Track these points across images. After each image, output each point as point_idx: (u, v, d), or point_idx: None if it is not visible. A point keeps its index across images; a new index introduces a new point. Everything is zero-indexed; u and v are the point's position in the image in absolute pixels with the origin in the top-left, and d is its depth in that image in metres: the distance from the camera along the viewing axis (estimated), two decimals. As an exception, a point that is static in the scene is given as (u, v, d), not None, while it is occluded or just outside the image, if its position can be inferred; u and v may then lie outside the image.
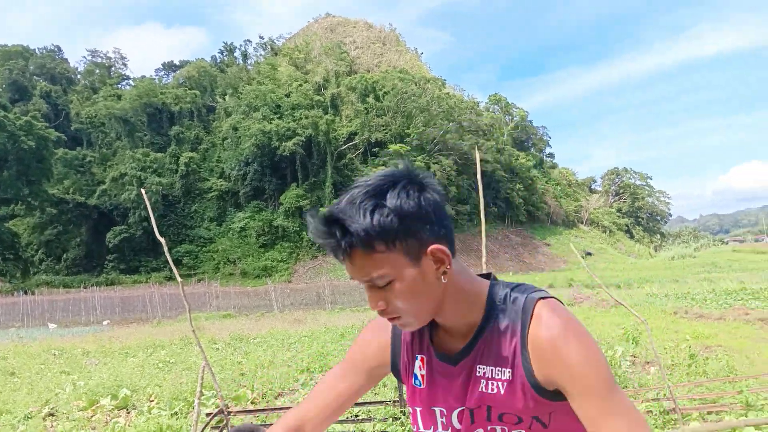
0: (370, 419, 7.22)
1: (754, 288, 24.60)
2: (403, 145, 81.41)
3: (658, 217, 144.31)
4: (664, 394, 6.82)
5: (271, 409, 8.40)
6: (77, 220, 76.96)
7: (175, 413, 9.49)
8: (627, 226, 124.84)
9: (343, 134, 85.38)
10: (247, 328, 23.21)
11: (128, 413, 10.07)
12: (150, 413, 9.64)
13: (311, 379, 11.58)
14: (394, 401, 7.19)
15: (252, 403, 10.09)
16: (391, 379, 10.30)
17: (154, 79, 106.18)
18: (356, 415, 7.59)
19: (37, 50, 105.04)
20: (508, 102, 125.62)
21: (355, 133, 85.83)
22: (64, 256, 76.65)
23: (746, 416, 6.35)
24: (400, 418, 6.97)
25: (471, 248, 79.02)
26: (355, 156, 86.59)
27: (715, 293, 24.53)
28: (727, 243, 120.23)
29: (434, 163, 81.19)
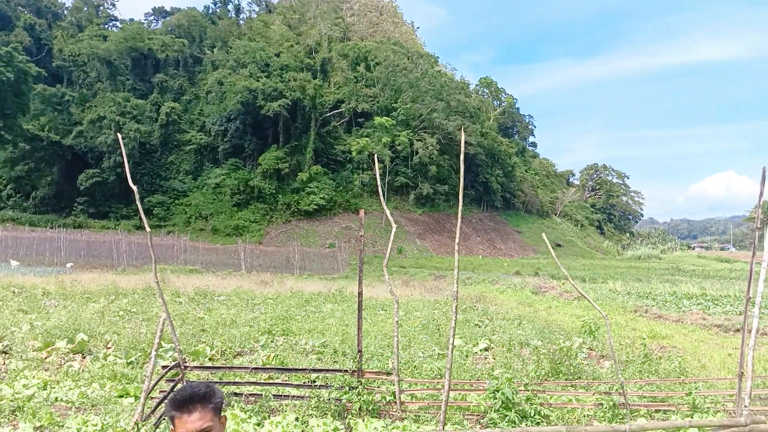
0: (327, 386, 7.26)
1: (714, 294, 25.26)
2: (388, 118, 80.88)
3: (630, 216, 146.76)
4: (616, 389, 6.98)
5: (229, 368, 8.40)
6: (50, 158, 75.20)
7: (131, 362, 9.45)
8: (599, 221, 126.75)
9: (329, 101, 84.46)
10: (212, 285, 23.15)
11: (84, 358, 9.99)
12: (106, 360, 9.58)
13: (272, 341, 11.61)
14: (353, 371, 7.23)
15: (210, 360, 10.09)
16: (351, 348, 10.37)
17: (143, 23, 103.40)
18: (313, 381, 7.63)
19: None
20: (497, 86, 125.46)
21: (342, 101, 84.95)
22: (33, 194, 75.04)
23: (692, 417, 6.54)
24: (356, 388, 7.01)
25: (444, 228, 79.46)
26: (340, 124, 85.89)
27: (676, 296, 25.14)
28: (693, 248, 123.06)
29: (418, 140, 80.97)
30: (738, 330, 15.00)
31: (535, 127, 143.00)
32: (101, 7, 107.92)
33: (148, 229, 7.07)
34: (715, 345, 13.09)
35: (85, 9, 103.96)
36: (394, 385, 7.00)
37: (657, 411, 7.04)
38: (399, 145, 78.28)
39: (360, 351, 7.29)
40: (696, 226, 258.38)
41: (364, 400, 6.94)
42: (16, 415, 6.75)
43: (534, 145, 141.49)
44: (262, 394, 7.32)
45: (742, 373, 5.61)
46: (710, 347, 12.69)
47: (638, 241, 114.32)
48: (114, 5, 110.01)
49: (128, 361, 9.43)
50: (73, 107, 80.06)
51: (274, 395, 7.34)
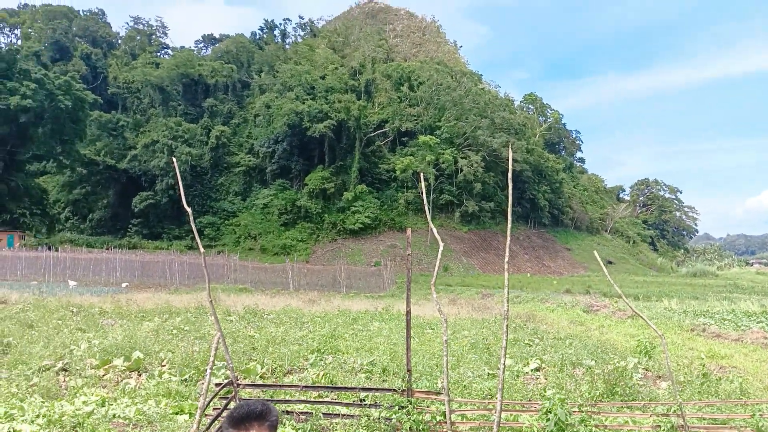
0: (376, 405, 7.26)
1: (776, 313, 24.14)
2: (432, 137, 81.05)
3: (684, 232, 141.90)
4: (674, 411, 6.74)
5: (279, 386, 8.50)
6: (106, 182, 78.28)
7: (185, 380, 9.65)
8: (651, 238, 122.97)
9: (373, 121, 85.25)
10: (262, 304, 23.48)
11: (139, 375, 10.26)
12: (161, 377, 9.81)
13: (321, 360, 11.68)
14: (402, 390, 7.20)
15: (261, 377, 10.22)
16: (400, 367, 10.34)
17: (193, 50, 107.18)
18: (363, 400, 7.63)
19: (81, 12, 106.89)
20: (543, 102, 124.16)
21: (386, 121, 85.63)
22: (90, 216, 78.14)
23: (756, 441, 6.26)
24: (406, 407, 6.98)
25: (491, 246, 78.60)
26: (384, 144, 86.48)
27: (734, 314, 24.12)
28: (752, 264, 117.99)
29: (462, 158, 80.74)
30: (805, 350, 14.32)
31: (582, 142, 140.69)
32: (153, 36, 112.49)
33: (201, 249, 7.27)
34: (779, 366, 12.49)
35: (138, 38, 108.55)
36: (444, 404, 6.94)
37: (719, 434, 6.76)
38: (443, 163, 78.20)
39: (409, 370, 7.27)
40: (754, 242, 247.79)
41: (414, 420, 6.90)
42: (76, 431, 6.99)
43: (582, 160, 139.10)
44: (312, 413, 7.37)
45: (811, 395, 5.34)
46: (774, 368, 12.12)
47: (693, 257, 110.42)
48: (166, 34, 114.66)
49: (182, 379, 9.63)
50: (128, 132, 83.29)
51: (324, 414, 7.38)
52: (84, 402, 8.16)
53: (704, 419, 7.20)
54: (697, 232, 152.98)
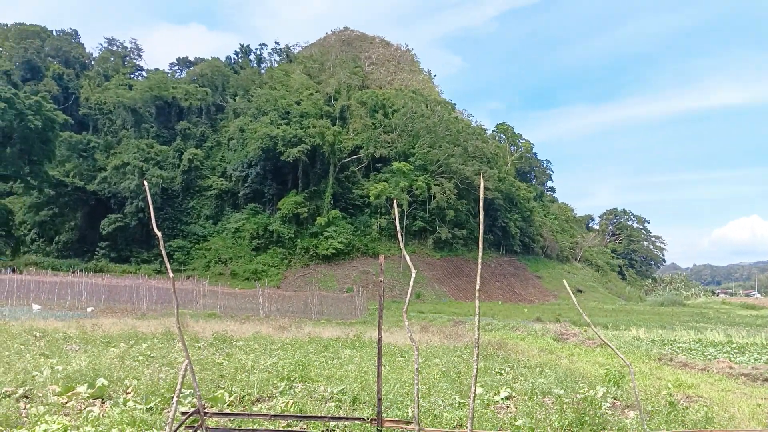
0: (345, 435, 7.17)
1: (740, 342, 24.62)
2: (406, 163, 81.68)
3: (652, 262, 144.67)
4: (642, 441, 6.80)
5: (248, 415, 8.34)
6: (74, 204, 76.86)
7: (151, 408, 9.40)
8: (620, 267, 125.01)
9: (348, 147, 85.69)
10: (231, 330, 23.11)
11: (103, 403, 9.98)
12: (125, 405, 9.55)
13: (290, 388, 11.51)
14: (372, 419, 7.14)
15: (229, 406, 10.02)
16: (371, 396, 10.24)
17: (167, 73, 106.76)
18: (331, 429, 7.54)
19: (54, 32, 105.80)
20: (514, 132, 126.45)
21: (361, 147, 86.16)
22: (57, 238, 76.43)
23: (722, 471, 6.34)
24: (375, 437, 6.91)
25: (463, 273, 78.92)
26: (358, 169, 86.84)
27: (701, 343, 24.53)
28: (717, 294, 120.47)
29: (435, 185, 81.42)
30: (767, 379, 14.58)
31: (552, 171, 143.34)
32: (127, 58, 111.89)
33: (171, 274, 7.16)
34: (743, 395, 12.70)
35: (112, 59, 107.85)
36: (414, 434, 6.89)
37: (686, 464, 6.83)
38: (417, 189, 78.75)
39: (379, 398, 7.22)
40: (719, 272, 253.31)
41: (383, 449, 6.84)
42: (35, 461, 6.74)
43: (552, 189, 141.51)
44: (280, 442, 7.25)
45: (774, 424, 5.45)
46: (738, 397, 12.32)
47: (661, 286, 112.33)
48: (140, 56, 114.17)
49: (148, 407, 9.38)
50: (98, 154, 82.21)
51: (292, 443, 7.26)
52: (45, 430, 7.89)
53: (671, 448, 7.27)
54: (665, 262, 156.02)
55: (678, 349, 22.14)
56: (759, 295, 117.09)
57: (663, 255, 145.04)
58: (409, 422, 7.25)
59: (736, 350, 21.78)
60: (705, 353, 20.83)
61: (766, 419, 9.45)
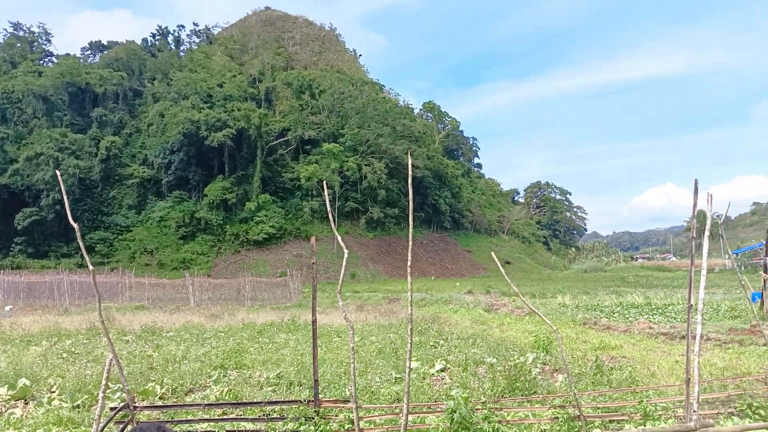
0: (282, 418, 7.10)
1: (658, 304, 26.12)
2: (336, 144, 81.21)
3: (575, 232, 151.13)
4: (571, 402, 7.08)
5: (180, 406, 8.12)
6: (-17, 198, 72.05)
7: (78, 406, 9.03)
8: (545, 237, 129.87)
9: (275, 129, 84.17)
10: (160, 321, 22.44)
11: (26, 404, 9.51)
12: (50, 405, 9.12)
13: (224, 376, 11.31)
14: (309, 401, 7.09)
15: (161, 398, 9.73)
16: (308, 378, 10.20)
17: (79, 58, 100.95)
18: (267, 414, 7.45)
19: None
20: (441, 110, 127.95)
21: (288, 129, 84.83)
22: (-34, 235, 71.55)
23: (644, 425, 6.69)
24: (313, 418, 6.88)
25: (396, 251, 79.71)
26: (287, 152, 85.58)
27: (622, 306, 25.85)
28: (636, 260, 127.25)
29: (366, 165, 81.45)
30: (683, 337, 15.50)
31: (479, 148, 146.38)
32: (35, 43, 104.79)
33: (90, 267, 6.82)
34: (662, 353, 13.47)
35: (19, 45, 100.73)
36: (352, 412, 6.91)
37: (611, 421, 7.17)
38: (347, 170, 78.53)
39: (316, 380, 7.17)
40: (638, 238, 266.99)
41: (321, 430, 6.82)
42: (-51, 473, 6.32)
43: (479, 166, 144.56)
44: (216, 431, 7.10)
45: (689, 379, 5.79)
46: (658, 355, 13.06)
47: (583, 254, 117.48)
48: (49, 41, 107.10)
49: (74, 405, 8.99)
50: (8, 145, 77.14)
51: (228, 431, 7.13)
52: (-41, 440, 7.41)
53: (598, 408, 7.62)
54: (586, 231, 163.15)
55: (601, 313, 23.23)
56: (674, 258, 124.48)
57: (585, 224, 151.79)
58: (346, 401, 7.26)
59: (654, 311, 23.08)
60: (627, 316, 21.97)
61: (683, 375, 10.07)
